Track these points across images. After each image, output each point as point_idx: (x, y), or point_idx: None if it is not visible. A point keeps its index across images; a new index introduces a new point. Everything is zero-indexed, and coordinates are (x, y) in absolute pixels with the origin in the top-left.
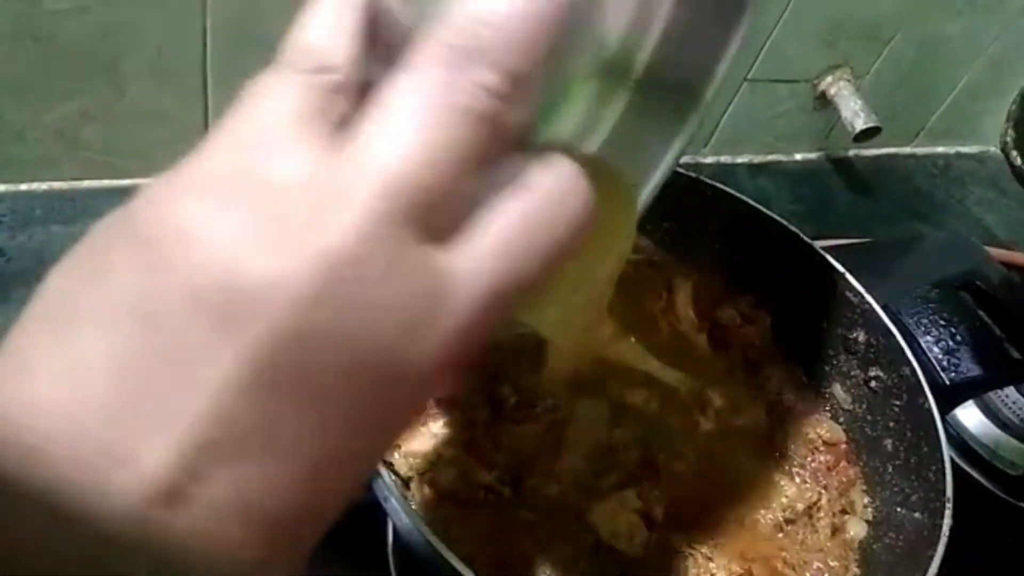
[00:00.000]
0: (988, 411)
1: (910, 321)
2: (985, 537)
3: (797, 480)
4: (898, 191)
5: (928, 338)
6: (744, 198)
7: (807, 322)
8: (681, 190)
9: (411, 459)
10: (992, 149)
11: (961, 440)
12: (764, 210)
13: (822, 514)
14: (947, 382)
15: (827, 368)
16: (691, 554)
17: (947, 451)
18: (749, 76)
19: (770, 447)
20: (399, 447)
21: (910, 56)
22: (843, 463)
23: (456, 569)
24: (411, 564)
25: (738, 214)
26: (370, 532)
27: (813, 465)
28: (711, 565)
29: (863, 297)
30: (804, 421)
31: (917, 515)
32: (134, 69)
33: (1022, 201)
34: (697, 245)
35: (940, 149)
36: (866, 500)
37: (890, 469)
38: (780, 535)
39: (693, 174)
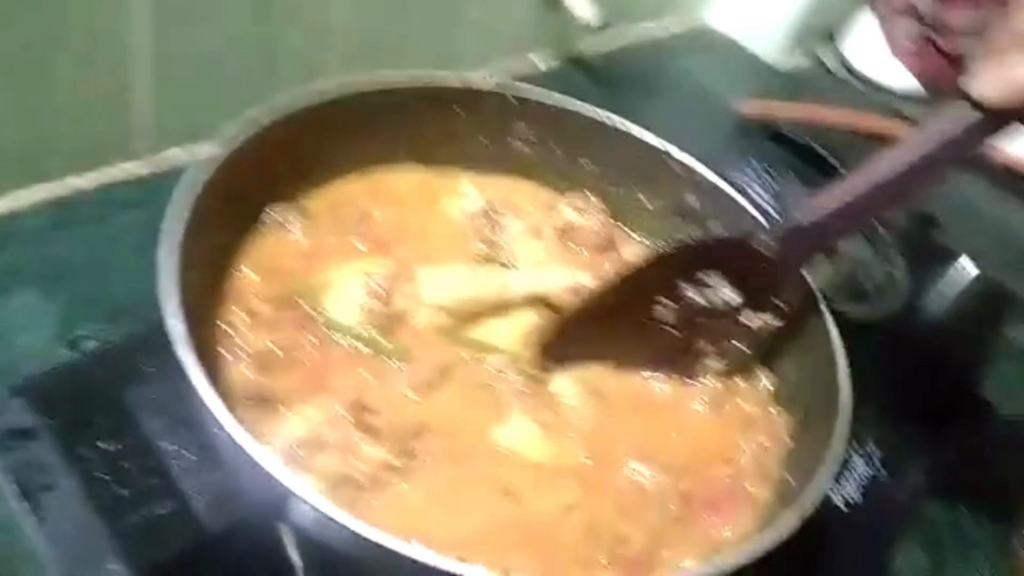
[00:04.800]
0: None
1: (734, 174)
2: None
3: None
4: (638, 79)
5: (755, 185)
6: (553, 98)
7: (639, 200)
8: (485, 104)
9: (287, 447)
10: (698, 21)
11: None
12: (573, 104)
13: None
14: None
15: (668, 240)
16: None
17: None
18: None
19: None
20: (266, 439)
21: None
22: None
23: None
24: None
25: (546, 115)
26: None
27: None
28: None
29: (687, 164)
30: None
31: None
32: None
33: (750, 65)
34: (512, 155)
35: (660, 34)
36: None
37: None
38: None
39: (496, 81)
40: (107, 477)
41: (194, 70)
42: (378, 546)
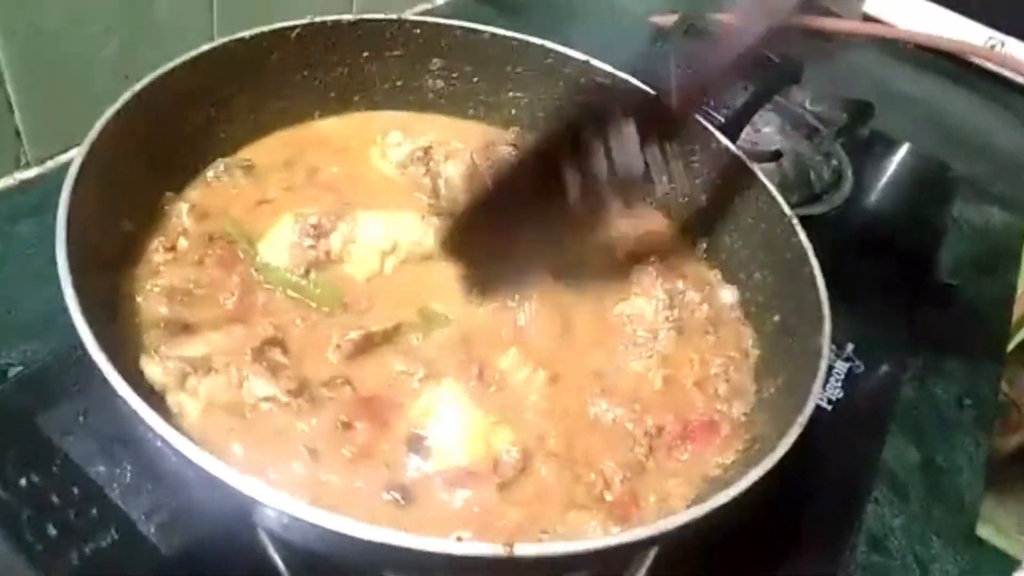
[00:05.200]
0: None
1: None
2: None
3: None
4: (544, 3)
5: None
6: (463, 26)
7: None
8: (393, 43)
9: (175, 364)
10: None
11: None
12: (487, 29)
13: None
14: (724, 119)
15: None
16: None
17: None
18: None
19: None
20: (155, 354)
21: None
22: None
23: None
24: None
25: (460, 45)
26: None
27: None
28: None
29: (617, 77)
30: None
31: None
32: None
33: None
34: (435, 94)
35: None
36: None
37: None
38: None
39: (395, 17)
40: (35, 516)
41: (68, 59)
42: (359, 540)
